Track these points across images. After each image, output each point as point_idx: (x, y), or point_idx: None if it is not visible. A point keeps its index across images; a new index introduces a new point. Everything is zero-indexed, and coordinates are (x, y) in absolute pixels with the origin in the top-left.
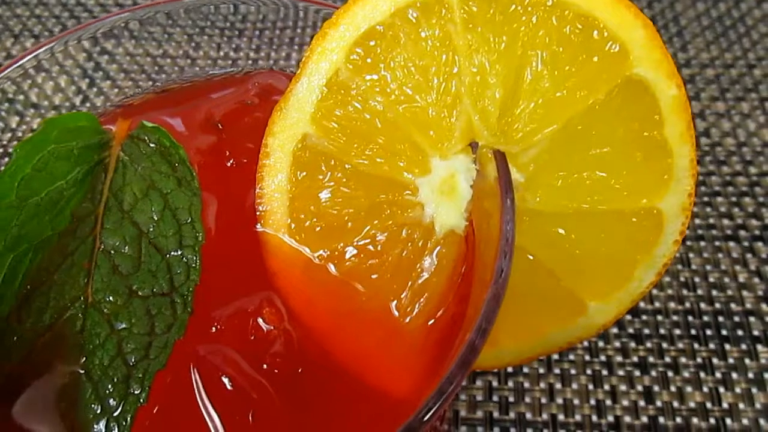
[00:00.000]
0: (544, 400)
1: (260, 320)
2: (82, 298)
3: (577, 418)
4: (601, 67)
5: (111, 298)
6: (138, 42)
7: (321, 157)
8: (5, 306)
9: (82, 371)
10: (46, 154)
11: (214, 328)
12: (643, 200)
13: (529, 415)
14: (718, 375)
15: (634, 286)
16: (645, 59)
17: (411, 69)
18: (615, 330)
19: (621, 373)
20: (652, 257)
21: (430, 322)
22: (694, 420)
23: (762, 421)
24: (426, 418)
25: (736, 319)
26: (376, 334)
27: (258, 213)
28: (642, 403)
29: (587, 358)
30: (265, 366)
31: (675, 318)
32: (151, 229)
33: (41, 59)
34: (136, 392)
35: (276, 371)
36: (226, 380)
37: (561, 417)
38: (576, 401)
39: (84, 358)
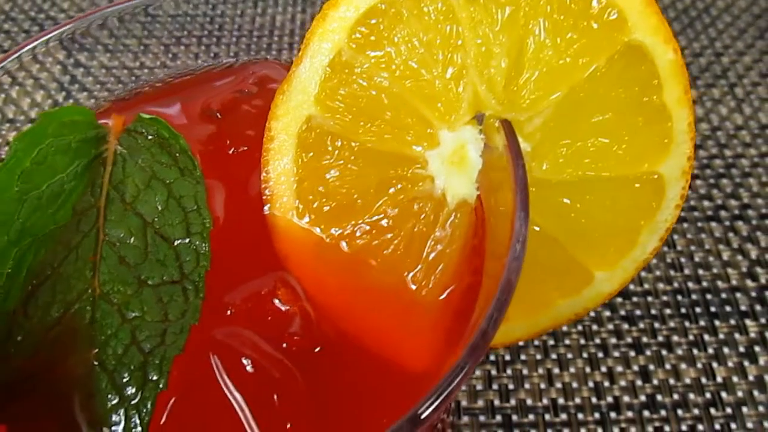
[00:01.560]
0: (543, 386)
1: (276, 300)
2: (89, 291)
3: (577, 401)
4: (601, 34)
5: (120, 288)
6: (114, 54)
7: (327, 137)
8: (11, 301)
9: (96, 362)
10: (45, 147)
11: (229, 312)
12: (644, 165)
13: (529, 401)
14: (710, 351)
15: (639, 252)
16: (642, 25)
17: (415, 44)
18: (608, 313)
19: (616, 354)
20: (655, 222)
21: (446, 294)
22: (691, 395)
23: (756, 393)
24: (435, 406)
25: (723, 295)
26: (393, 309)
27: (265, 197)
28: (639, 382)
29: (582, 341)
30: (284, 345)
31: (665, 298)
32: (156, 219)
33: (9, 69)
34: (154, 378)
35: (295, 350)
36: (247, 362)
37: (561, 401)
38: (575, 384)
39: (96, 349)
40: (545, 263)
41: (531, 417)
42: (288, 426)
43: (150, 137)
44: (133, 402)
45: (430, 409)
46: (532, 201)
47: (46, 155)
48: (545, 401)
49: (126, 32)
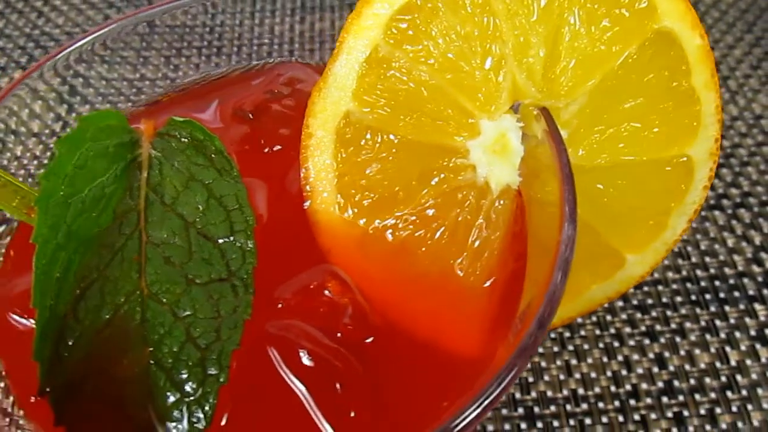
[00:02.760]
0: (562, 377)
1: (326, 292)
2: (137, 292)
3: (597, 390)
4: (632, 21)
5: (168, 288)
6: (111, 66)
7: (366, 132)
8: (62, 305)
9: (152, 361)
10: (84, 151)
11: (280, 305)
12: (674, 148)
13: (549, 393)
14: (722, 335)
15: (669, 234)
16: (671, 12)
17: (452, 37)
18: (620, 303)
19: (632, 343)
20: (684, 204)
21: (492, 281)
22: (707, 380)
23: None
24: (483, 408)
25: (731, 281)
26: (441, 296)
27: (305, 193)
28: (656, 369)
29: (597, 332)
30: (338, 335)
31: (675, 286)
32: (198, 219)
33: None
34: (213, 373)
35: (350, 340)
36: (305, 353)
37: (581, 391)
38: (593, 374)
39: (151, 349)
40: (580, 249)
41: (552, 408)
42: (352, 414)
43: (184, 140)
44: (194, 397)
45: (480, 409)
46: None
47: (86, 159)
48: (565, 392)
49: (123, 45)
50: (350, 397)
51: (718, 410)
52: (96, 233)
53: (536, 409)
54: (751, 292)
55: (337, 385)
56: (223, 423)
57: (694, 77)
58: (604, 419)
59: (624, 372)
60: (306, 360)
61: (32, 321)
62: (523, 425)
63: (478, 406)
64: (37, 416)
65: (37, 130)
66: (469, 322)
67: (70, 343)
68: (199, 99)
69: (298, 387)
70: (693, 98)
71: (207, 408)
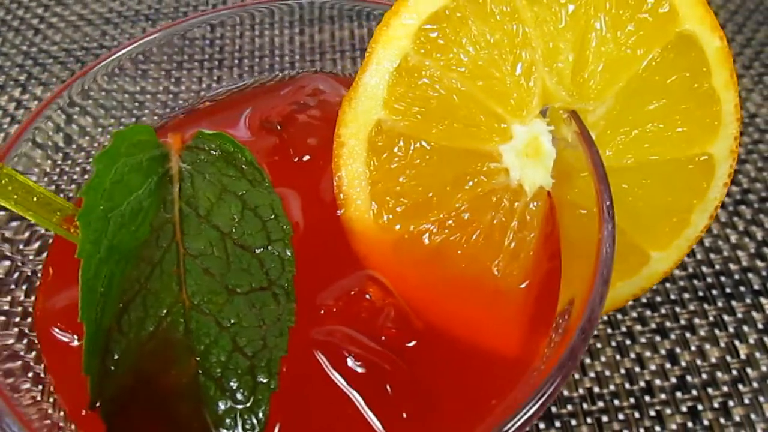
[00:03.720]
0: (577, 376)
1: (367, 297)
2: (179, 303)
3: (611, 387)
4: (655, 25)
5: (210, 298)
6: (110, 80)
7: (398, 139)
8: (106, 319)
9: (200, 371)
10: (120, 166)
11: (323, 311)
12: (696, 147)
13: (566, 392)
14: (731, 330)
15: (691, 231)
16: (691, 15)
17: (482, 44)
18: (630, 302)
19: (643, 340)
20: (705, 201)
21: (528, 280)
22: (718, 374)
23: None
24: (525, 421)
25: (737, 276)
26: (479, 298)
27: (339, 201)
28: (668, 365)
29: (609, 330)
30: (383, 338)
31: (682, 283)
32: (234, 230)
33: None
34: (264, 381)
35: (394, 343)
36: (353, 358)
37: (596, 389)
38: (607, 372)
39: (198, 359)
40: None
41: (569, 407)
42: (404, 415)
43: (213, 152)
44: (246, 405)
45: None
46: (590, 190)
47: (122, 174)
48: (581, 391)
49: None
50: (401, 399)
51: (731, 403)
52: (135, 247)
53: (553, 409)
54: (756, 287)
55: (388, 387)
56: (276, 430)
57: (714, 78)
58: (621, 416)
59: (637, 369)
60: (355, 364)
61: (76, 336)
62: (542, 425)
63: (539, 399)
64: (89, 429)
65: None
66: (509, 321)
67: (116, 357)
68: (224, 112)
69: (349, 391)
70: (713, 98)
71: (260, 415)
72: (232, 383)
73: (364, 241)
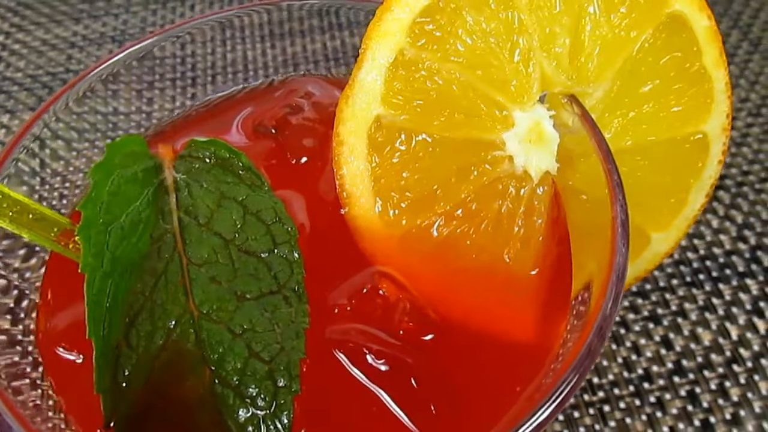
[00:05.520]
0: None
1: (381, 292)
2: (187, 314)
3: (610, 377)
4: (646, 7)
5: (219, 306)
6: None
7: (399, 134)
8: (114, 334)
9: (216, 381)
10: (116, 177)
11: (336, 311)
12: (691, 126)
13: None
14: (720, 312)
15: (689, 210)
16: None
17: (479, 34)
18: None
19: (637, 328)
20: (701, 179)
21: (539, 266)
22: (713, 356)
23: None
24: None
25: (722, 260)
26: (492, 286)
27: (342, 200)
28: (663, 351)
29: None
30: (401, 333)
31: (669, 270)
32: (237, 236)
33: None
34: (285, 384)
35: (413, 337)
36: (374, 354)
37: (595, 380)
38: (605, 362)
39: (213, 368)
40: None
41: (571, 400)
42: (432, 408)
43: (208, 160)
44: (269, 411)
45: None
46: (591, 174)
47: (119, 186)
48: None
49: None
50: (428, 392)
51: (727, 383)
52: (137, 259)
53: None
54: (741, 269)
55: (413, 381)
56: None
57: (704, 56)
58: (622, 404)
59: (634, 357)
60: (376, 361)
61: (82, 355)
62: None
63: (570, 381)
64: None
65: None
66: (524, 308)
67: (127, 373)
68: (214, 119)
69: (374, 389)
70: (705, 77)
71: (285, 420)
72: (251, 390)
73: (371, 238)
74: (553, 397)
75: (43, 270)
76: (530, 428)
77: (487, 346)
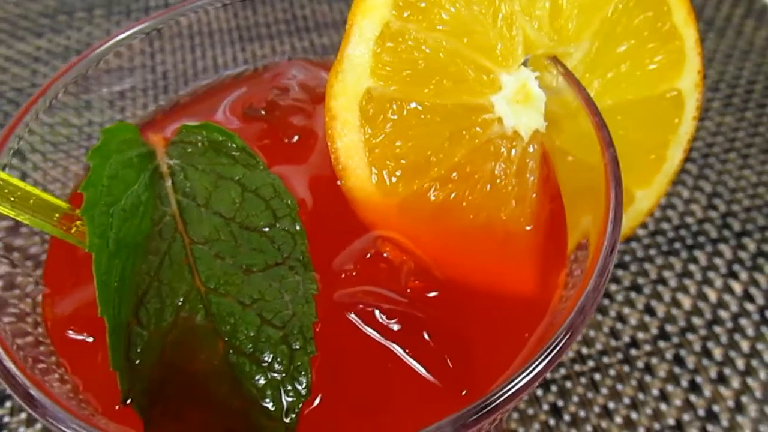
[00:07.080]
0: None
1: (385, 255)
2: (194, 291)
3: (598, 347)
4: None
5: (226, 280)
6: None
7: (390, 104)
8: (124, 313)
9: (230, 351)
10: (113, 162)
11: (343, 275)
12: (666, 83)
13: None
14: (698, 277)
15: (668, 166)
16: None
17: (462, 2)
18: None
19: (620, 298)
20: (678, 135)
21: (534, 223)
22: (694, 320)
23: (747, 305)
24: (530, 380)
25: (694, 228)
26: (491, 244)
27: (338, 173)
28: (647, 318)
29: None
30: (408, 291)
31: (646, 241)
32: (236, 214)
33: None
34: (300, 346)
35: (420, 294)
36: (386, 313)
37: (584, 350)
38: (591, 333)
39: (225, 339)
40: (594, 192)
41: (562, 371)
42: (447, 360)
43: (201, 144)
44: (287, 374)
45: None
46: (576, 133)
47: (116, 169)
48: (570, 354)
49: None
50: (441, 344)
51: (710, 344)
52: (141, 240)
53: (547, 375)
54: (714, 236)
55: (425, 335)
56: (321, 397)
57: (674, 15)
58: (612, 372)
59: (619, 326)
60: (389, 318)
61: (92, 336)
62: (539, 391)
63: (579, 316)
64: (126, 425)
65: None
66: (522, 262)
67: (140, 350)
68: (202, 105)
69: (390, 345)
70: (675, 35)
71: (303, 381)
72: (266, 356)
73: (370, 207)
74: (567, 330)
75: (44, 257)
76: (545, 361)
77: (491, 299)
